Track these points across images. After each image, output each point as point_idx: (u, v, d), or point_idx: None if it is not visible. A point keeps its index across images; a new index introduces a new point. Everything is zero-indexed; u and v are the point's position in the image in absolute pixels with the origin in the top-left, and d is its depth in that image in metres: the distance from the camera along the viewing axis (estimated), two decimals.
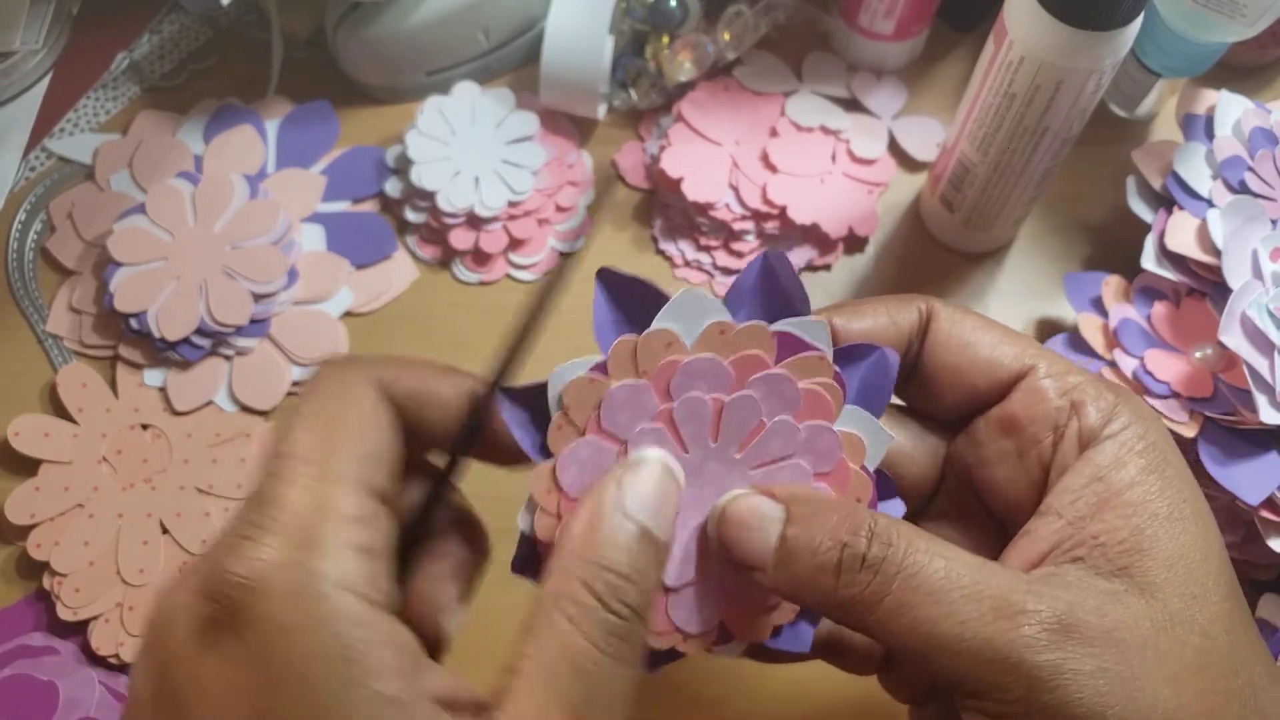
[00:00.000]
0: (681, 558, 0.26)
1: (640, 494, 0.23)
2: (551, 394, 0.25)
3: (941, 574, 0.23)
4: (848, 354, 0.27)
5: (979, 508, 0.29)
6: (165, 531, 0.42)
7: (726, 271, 0.49)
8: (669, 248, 0.50)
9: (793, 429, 0.26)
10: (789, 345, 0.26)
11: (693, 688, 0.41)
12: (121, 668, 0.40)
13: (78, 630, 0.41)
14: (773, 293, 0.26)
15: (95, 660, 0.40)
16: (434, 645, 0.25)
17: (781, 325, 0.26)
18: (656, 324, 0.25)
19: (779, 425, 0.26)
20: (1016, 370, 0.28)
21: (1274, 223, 0.40)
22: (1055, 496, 0.26)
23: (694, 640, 0.27)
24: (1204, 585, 0.24)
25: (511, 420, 0.25)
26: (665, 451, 0.25)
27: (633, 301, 0.25)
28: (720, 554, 0.26)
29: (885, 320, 0.28)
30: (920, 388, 0.29)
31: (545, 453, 0.25)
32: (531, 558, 0.26)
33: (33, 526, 0.42)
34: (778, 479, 0.26)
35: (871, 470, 0.27)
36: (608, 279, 0.25)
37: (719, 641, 0.27)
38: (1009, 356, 0.28)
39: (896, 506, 0.28)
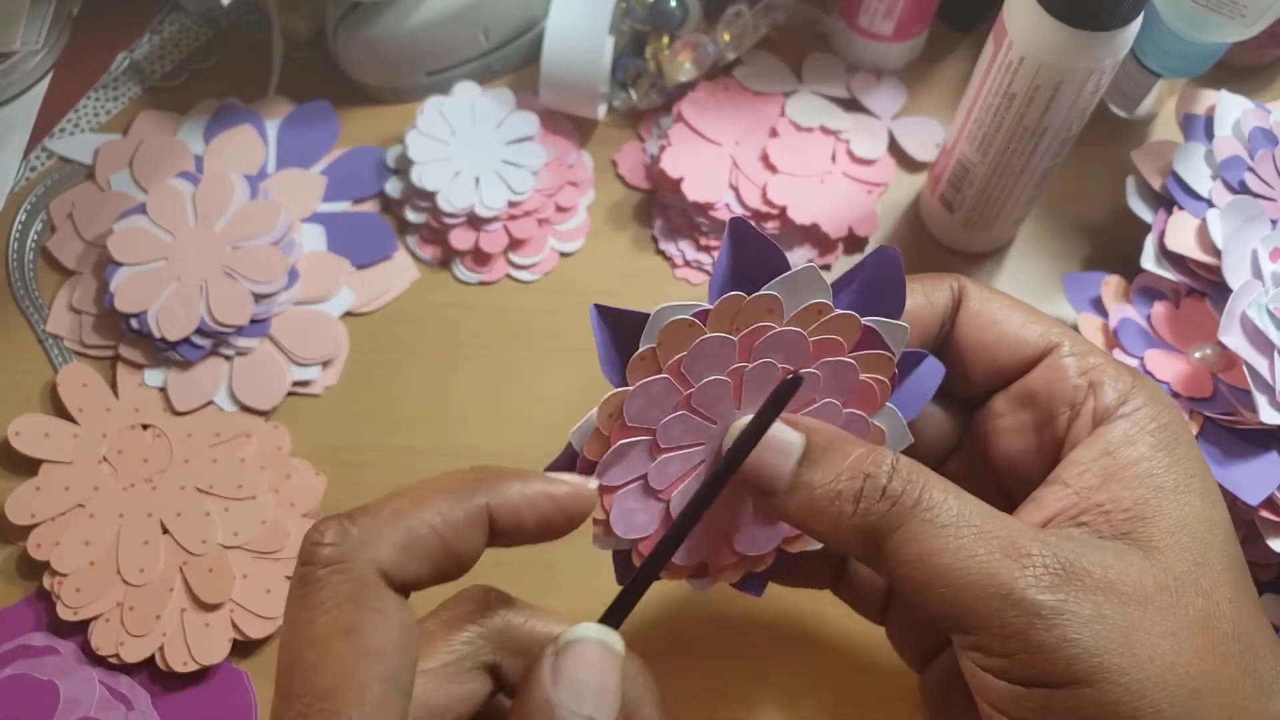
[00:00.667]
0: (686, 494, 0.27)
1: (578, 683, 0.23)
2: (650, 326, 0.25)
3: (955, 511, 0.24)
4: (901, 359, 0.28)
5: (990, 480, 0.30)
6: (166, 531, 0.42)
7: None
8: (669, 248, 0.50)
9: (836, 412, 0.27)
10: (869, 338, 0.27)
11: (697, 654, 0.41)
12: (122, 667, 0.40)
13: (78, 630, 0.41)
14: (878, 287, 0.27)
15: (95, 660, 0.40)
16: None
17: (870, 321, 0.27)
18: (766, 289, 0.26)
19: (825, 406, 0.27)
20: (1041, 347, 0.28)
21: (1274, 223, 0.40)
22: (1064, 468, 0.26)
23: (674, 569, 0.28)
24: (1208, 554, 0.25)
25: (600, 339, 0.26)
26: (598, 626, 0.24)
27: (755, 262, 0.26)
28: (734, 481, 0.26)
29: (922, 300, 0.29)
30: (948, 364, 0.30)
31: (621, 379, 0.26)
32: (569, 468, 0.27)
33: (33, 526, 0.42)
34: None
35: None
36: (738, 233, 0.26)
37: (695, 575, 0.29)
38: (1035, 334, 0.29)
39: None
